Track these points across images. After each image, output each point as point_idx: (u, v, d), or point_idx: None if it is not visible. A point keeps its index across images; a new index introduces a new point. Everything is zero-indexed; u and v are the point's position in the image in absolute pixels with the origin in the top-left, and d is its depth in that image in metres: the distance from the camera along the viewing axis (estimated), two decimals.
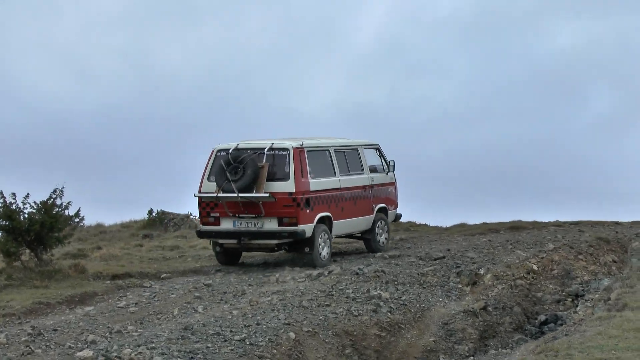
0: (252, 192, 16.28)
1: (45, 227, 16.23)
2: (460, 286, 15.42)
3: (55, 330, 12.46)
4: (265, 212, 16.37)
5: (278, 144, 16.67)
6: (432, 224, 23.16)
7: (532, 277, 16.33)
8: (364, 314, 13.44)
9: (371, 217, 18.22)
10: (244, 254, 17.86)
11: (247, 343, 11.71)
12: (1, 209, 16.20)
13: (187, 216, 24.79)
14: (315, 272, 15.63)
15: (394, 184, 19.13)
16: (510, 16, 48.59)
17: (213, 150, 16.98)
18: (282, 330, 12.27)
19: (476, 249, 17.74)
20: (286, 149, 16.50)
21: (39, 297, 14.34)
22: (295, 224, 16.28)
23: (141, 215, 25.19)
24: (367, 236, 18.36)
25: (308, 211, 16.47)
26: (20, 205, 16.44)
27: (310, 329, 12.59)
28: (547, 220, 22.28)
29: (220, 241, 17.02)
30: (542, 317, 14.99)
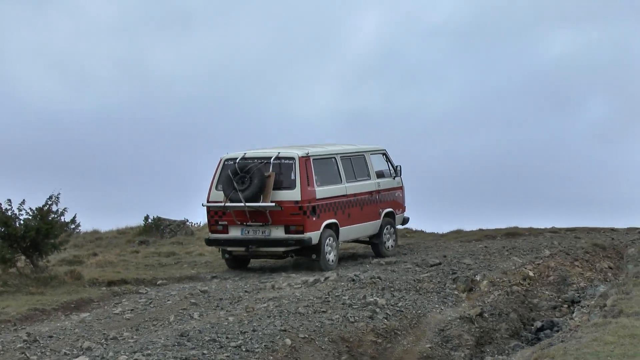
0: (259, 202, 16.53)
1: (41, 233, 16.21)
2: (456, 292, 15.42)
3: (50, 336, 12.44)
4: (272, 220, 16.64)
5: (284, 153, 16.90)
6: (428, 230, 23.17)
7: (528, 284, 16.34)
8: (360, 320, 13.44)
9: (378, 221, 18.46)
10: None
11: (243, 349, 11.70)
12: None
13: (184, 222, 24.76)
14: (311, 279, 15.63)
15: (401, 188, 19.41)
16: (506, 24, 48.71)
17: (220, 160, 17.21)
18: (278, 337, 12.26)
19: (472, 256, 17.75)
20: (292, 158, 16.74)
21: (34, 303, 14.32)
22: (302, 232, 16.54)
23: (137, 221, 25.16)
24: (374, 241, 18.60)
25: (314, 219, 16.70)
26: (16, 211, 16.43)
27: (307, 336, 12.58)
28: (543, 227, 22.31)
29: (229, 249, 17.25)
30: (538, 324, 14.99)
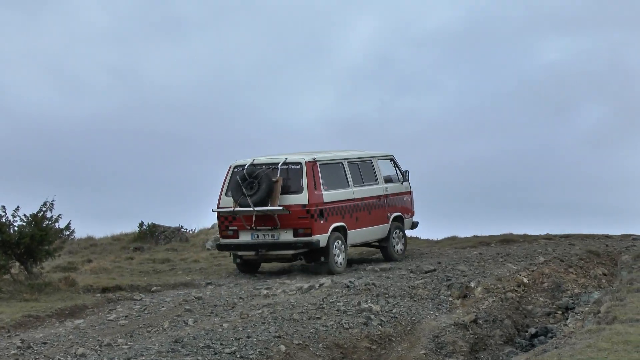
0: (267, 206, 16.88)
1: (36, 240, 16.20)
2: (450, 299, 15.43)
3: (44, 343, 12.42)
4: (281, 224, 17.01)
5: (291, 158, 17.30)
6: (423, 237, 23.18)
7: (523, 290, 16.35)
8: (354, 326, 13.44)
9: (387, 225, 18.75)
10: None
11: (238, 356, 11.70)
12: None
13: (178, 229, 24.75)
14: (305, 285, 15.63)
15: (409, 192, 19.73)
16: (499, 31, 48.83)
17: (230, 167, 17.62)
18: (273, 343, 12.25)
19: (467, 262, 17.77)
20: (299, 163, 17.13)
21: (28, 310, 14.29)
22: (310, 235, 16.89)
23: (132, 228, 25.14)
24: (383, 244, 18.88)
25: (322, 222, 17.04)
26: (10, 218, 16.43)
27: (301, 342, 12.58)
28: (537, 234, 22.34)
29: (240, 253, 17.57)
30: (533, 330, 15.00)
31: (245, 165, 17.32)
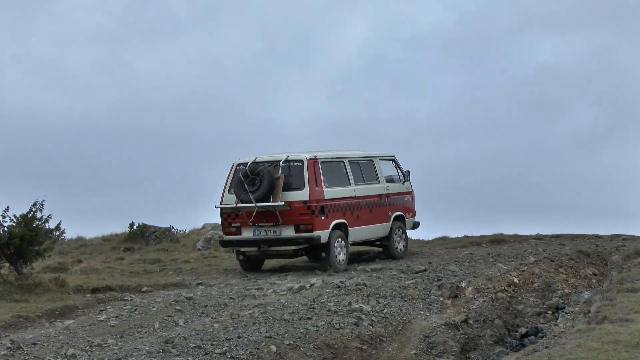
0: (269, 202, 17.17)
1: (26, 240, 16.15)
2: (441, 299, 15.44)
3: (34, 344, 12.38)
4: (282, 220, 17.32)
5: (293, 156, 17.62)
6: (413, 237, 23.22)
7: (513, 290, 16.38)
8: (345, 327, 13.44)
9: (388, 224, 19.04)
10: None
11: (229, 356, 11.68)
12: None
13: (169, 229, 24.73)
14: (296, 285, 15.63)
15: (410, 193, 20.04)
16: (490, 32, 48.92)
17: (233, 165, 17.94)
18: (264, 344, 12.24)
19: (457, 262, 17.80)
20: (301, 161, 17.45)
21: (18, 310, 14.24)
22: (311, 230, 17.18)
23: (122, 228, 25.14)
24: (385, 243, 19.19)
25: (323, 218, 17.34)
26: (0, 218, 16.36)
27: (292, 342, 12.57)
28: (528, 234, 22.41)
29: (242, 249, 17.87)
30: (523, 330, 15.03)
31: (247, 162, 17.63)
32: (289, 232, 17.32)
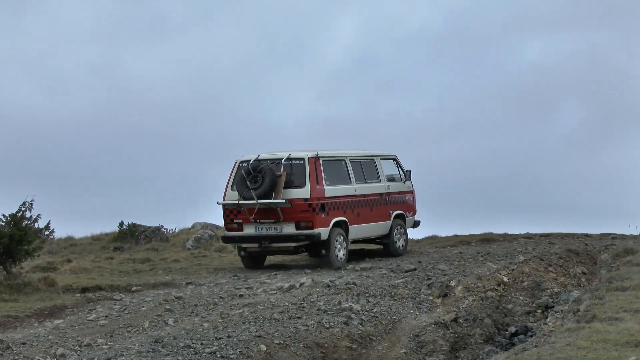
0: (270, 199, 17.42)
1: (15, 240, 16.09)
2: (431, 298, 15.46)
3: (24, 343, 12.34)
4: (283, 217, 17.57)
5: (295, 154, 17.89)
6: None
7: (503, 289, 16.41)
8: (335, 326, 13.44)
9: (388, 222, 19.29)
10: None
11: (218, 355, 11.67)
12: None
13: (159, 229, 24.67)
14: (286, 285, 15.63)
15: (411, 192, 20.29)
16: (481, 32, 49.00)
17: (236, 162, 18.20)
18: (253, 343, 12.24)
19: (447, 261, 17.82)
20: (302, 159, 17.72)
21: (7, 310, 14.19)
22: (312, 228, 17.45)
23: (112, 227, 25.05)
24: (385, 240, 19.45)
25: (323, 215, 17.57)
26: None
27: (282, 341, 12.57)
28: (517, 233, 22.44)
29: (244, 245, 18.12)
30: (513, 329, 15.05)
31: (249, 160, 17.89)
32: (289, 229, 17.56)
